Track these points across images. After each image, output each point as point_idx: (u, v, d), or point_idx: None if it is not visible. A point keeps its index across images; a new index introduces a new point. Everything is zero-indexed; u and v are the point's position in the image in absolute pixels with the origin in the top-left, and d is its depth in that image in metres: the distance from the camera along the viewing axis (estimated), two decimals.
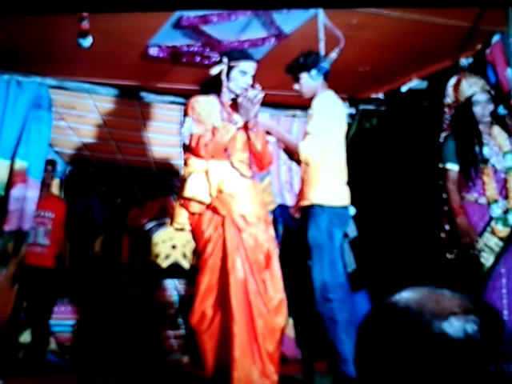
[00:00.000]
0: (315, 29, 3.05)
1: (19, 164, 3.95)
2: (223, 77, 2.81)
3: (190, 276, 5.37)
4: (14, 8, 2.33)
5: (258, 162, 2.94)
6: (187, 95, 4.20)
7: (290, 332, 4.16)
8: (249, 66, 2.82)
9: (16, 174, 3.94)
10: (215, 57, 3.47)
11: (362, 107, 4.54)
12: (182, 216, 2.82)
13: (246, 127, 2.82)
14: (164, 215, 5.54)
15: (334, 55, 2.95)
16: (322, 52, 3.03)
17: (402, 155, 4.31)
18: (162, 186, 5.65)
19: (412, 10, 3.03)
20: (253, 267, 2.72)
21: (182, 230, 2.93)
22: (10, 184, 3.93)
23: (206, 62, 3.52)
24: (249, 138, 2.85)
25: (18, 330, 4.35)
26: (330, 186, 2.97)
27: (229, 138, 2.74)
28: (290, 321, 4.05)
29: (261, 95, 2.73)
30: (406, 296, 0.70)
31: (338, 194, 3.00)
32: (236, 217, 2.75)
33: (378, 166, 4.44)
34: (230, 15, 3.12)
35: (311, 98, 3.03)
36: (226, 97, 2.88)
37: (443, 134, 3.32)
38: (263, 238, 2.82)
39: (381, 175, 4.38)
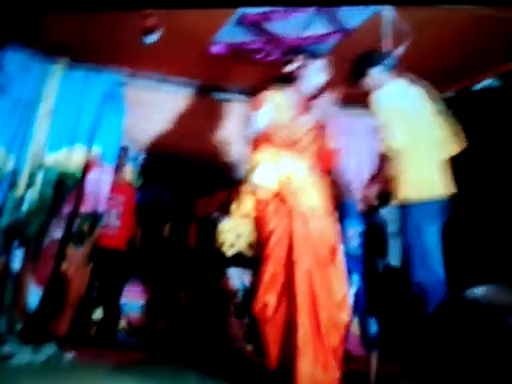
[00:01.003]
0: (380, 24, 2.97)
1: (95, 149, 4.26)
2: (299, 74, 2.85)
3: (255, 266, 5.47)
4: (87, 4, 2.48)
5: (323, 160, 2.97)
6: (249, 92, 4.32)
7: (356, 329, 4.13)
8: (323, 66, 2.86)
9: (92, 159, 4.24)
10: (277, 54, 3.50)
11: None
12: (248, 203, 2.89)
13: (317, 126, 2.86)
14: (231, 205, 5.65)
15: (400, 51, 2.88)
16: (388, 48, 2.95)
17: (479, 157, 4.10)
18: (228, 178, 5.77)
19: (482, 5, 2.87)
20: (318, 260, 2.74)
21: (246, 216, 2.98)
22: (86, 168, 4.23)
23: (268, 59, 3.56)
24: (318, 137, 2.88)
25: (91, 307, 4.62)
26: (415, 178, 2.86)
27: (301, 134, 2.81)
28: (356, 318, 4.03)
29: (336, 96, 2.74)
30: (477, 292, 0.72)
31: (426, 186, 2.88)
32: (304, 209, 2.78)
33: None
34: (292, 12, 3.13)
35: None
36: (299, 94, 2.90)
37: None
38: (329, 232, 2.84)
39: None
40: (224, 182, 5.79)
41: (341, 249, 2.90)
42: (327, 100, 2.79)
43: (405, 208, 2.88)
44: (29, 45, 3.91)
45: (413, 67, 2.99)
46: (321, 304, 2.67)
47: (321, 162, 2.97)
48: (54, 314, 3.96)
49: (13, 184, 3.91)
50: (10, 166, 3.93)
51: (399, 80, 2.96)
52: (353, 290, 3.86)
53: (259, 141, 2.86)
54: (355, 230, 4.34)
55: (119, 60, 4.06)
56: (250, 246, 5.77)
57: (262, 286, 2.73)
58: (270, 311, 2.71)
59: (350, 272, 2.94)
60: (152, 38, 2.74)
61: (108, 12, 3.27)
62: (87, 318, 4.52)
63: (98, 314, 4.73)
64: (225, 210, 5.76)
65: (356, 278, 4.10)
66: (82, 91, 4.21)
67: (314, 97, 2.86)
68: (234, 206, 3.03)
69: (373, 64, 2.93)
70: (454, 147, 3.06)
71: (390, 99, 2.88)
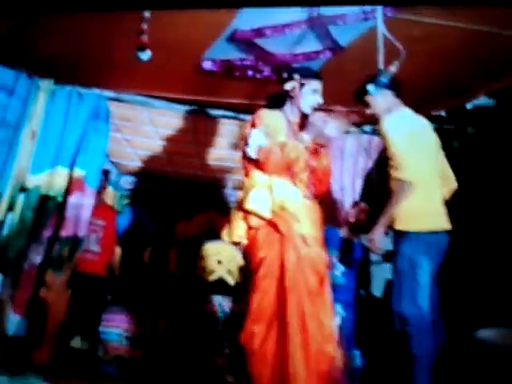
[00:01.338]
0: (373, 41, 3.00)
1: (77, 172, 4.17)
2: (295, 93, 2.84)
3: (235, 293, 5.40)
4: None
5: (318, 184, 2.94)
6: (239, 109, 4.31)
7: (340, 362, 4.06)
8: (319, 85, 2.84)
9: (74, 182, 4.15)
10: (268, 70, 3.50)
11: None
12: (240, 229, 2.81)
13: (313, 148, 2.84)
14: (211, 229, 5.60)
15: (393, 69, 2.90)
16: (381, 65, 2.97)
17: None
18: (210, 198, 5.73)
19: (478, 20, 2.92)
20: (309, 290, 2.68)
21: (238, 243, 2.92)
22: (67, 191, 4.13)
23: (259, 76, 3.57)
24: (315, 158, 2.87)
25: (70, 334, 4.48)
26: (417, 208, 2.81)
27: (295, 156, 2.75)
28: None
29: (330, 117, 2.74)
30: (485, 334, 0.67)
31: (425, 218, 2.84)
32: (296, 237, 2.72)
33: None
34: (284, 28, 3.18)
35: (373, 116, 2.96)
36: (294, 114, 2.89)
37: None
38: (319, 261, 2.78)
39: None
40: (205, 205, 5.75)
41: (328, 278, 2.85)
42: (322, 119, 2.76)
43: (401, 237, 2.83)
44: (13, 64, 3.85)
45: (405, 84, 3.02)
46: (311, 335, 2.60)
47: (317, 185, 2.94)
48: (35, 342, 3.83)
49: None
50: None
51: (404, 108, 2.96)
52: (337, 321, 3.78)
53: (252, 163, 2.80)
54: (338, 257, 4.30)
55: (106, 78, 4.02)
56: (231, 272, 5.71)
57: (250, 316, 2.66)
58: (257, 342, 2.63)
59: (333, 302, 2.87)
60: (146, 55, 2.70)
61: (95, 28, 3.24)
62: (66, 346, 4.38)
63: (76, 341, 4.63)
64: (205, 235, 5.71)
65: (339, 308, 4.02)
66: (66, 112, 4.16)
67: (308, 116, 2.84)
68: (224, 232, 2.94)
69: (368, 81, 2.94)
70: (453, 183, 3.09)
71: (402, 128, 2.84)
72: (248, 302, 2.70)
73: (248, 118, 4.40)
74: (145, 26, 2.68)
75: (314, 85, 2.82)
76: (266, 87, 3.77)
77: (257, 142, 2.75)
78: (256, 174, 2.78)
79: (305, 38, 3.31)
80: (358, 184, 4.79)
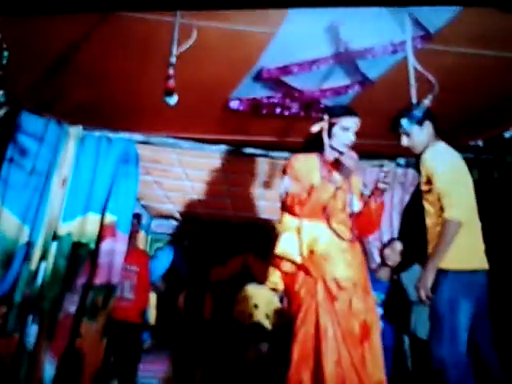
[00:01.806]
0: (403, 74, 2.96)
1: (109, 218, 4.19)
2: (324, 134, 2.83)
3: (272, 338, 5.29)
4: None
5: (365, 226, 2.90)
6: (269, 147, 4.31)
7: None
8: (351, 122, 2.81)
9: (106, 228, 4.17)
10: (296, 107, 3.50)
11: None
12: (274, 275, 2.82)
13: (351, 187, 2.84)
14: (246, 272, 5.56)
15: (427, 102, 2.83)
16: (414, 99, 2.92)
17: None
18: (244, 240, 5.69)
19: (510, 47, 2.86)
20: (345, 336, 2.60)
21: (274, 289, 2.90)
22: (100, 237, 4.14)
23: (287, 113, 3.58)
24: (368, 203, 2.84)
25: (107, 382, 4.46)
26: (458, 246, 2.67)
27: (327, 198, 2.73)
28: None
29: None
30: None
31: (466, 256, 2.71)
32: (328, 280, 2.68)
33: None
34: (311, 65, 3.18)
35: (408, 149, 2.89)
36: (328, 154, 2.87)
37: None
38: (359, 306, 2.70)
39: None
40: (240, 247, 5.71)
41: (377, 325, 2.77)
42: (354, 157, 2.74)
43: (439, 276, 2.69)
44: (43, 112, 3.94)
45: (439, 115, 2.95)
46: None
47: (363, 228, 2.89)
48: None
49: (27, 256, 3.83)
50: (24, 237, 3.87)
51: (440, 142, 2.87)
52: None
53: (284, 209, 2.82)
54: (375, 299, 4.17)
55: (134, 122, 4.08)
56: (268, 316, 5.62)
57: (293, 366, 2.61)
58: None
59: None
60: (174, 100, 2.72)
61: (121, 73, 3.31)
62: None
63: None
64: (240, 278, 5.66)
65: None
66: (95, 157, 4.22)
67: (341, 154, 2.81)
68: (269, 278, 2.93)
69: (401, 115, 2.87)
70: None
71: (447, 163, 2.76)
72: (290, 351, 2.66)
73: (278, 154, 4.45)
74: (171, 71, 2.71)
75: (345, 122, 2.80)
76: (295, 123, 3.79)
77: (285, 188, 2.81)
78: (286, 218, 2.81)
79: (333, 73, 3.31)
80: (396, 219, 4.69)
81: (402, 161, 4.64)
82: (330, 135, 2.82)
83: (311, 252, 2.70)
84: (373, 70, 3.23)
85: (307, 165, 2.84)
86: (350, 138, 2.80)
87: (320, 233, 2.74)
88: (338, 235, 2.76)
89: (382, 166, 4.49)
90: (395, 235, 4.61)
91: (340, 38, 2.90)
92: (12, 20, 2.64)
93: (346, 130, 2.79)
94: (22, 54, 3.00)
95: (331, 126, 2.81)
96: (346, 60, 3.14)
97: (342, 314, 2.63)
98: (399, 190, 4.71)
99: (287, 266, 2.75)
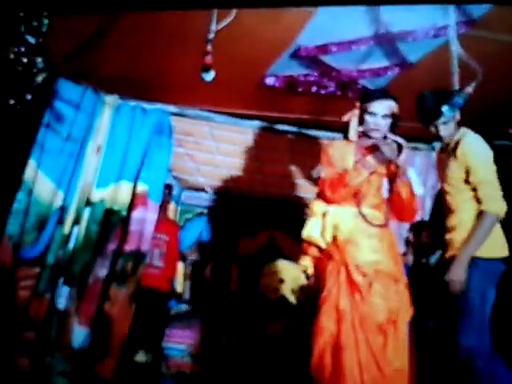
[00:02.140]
0: (444, 58, 2.91)
1: (141, 187, 4.28)
2: (352, 121, 2.82)
3: (298, 312, 5.37)
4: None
5: (399, 211, 2.87)
6: (301, 124, 4.30)
7: None
8: (379, 106, 2.74)
9: (137, 197, 4.26)
10: (332, 86, 3.48)
11: (497, 143, 4.20)
12: (304, 259, 2.86)
13: (389, 173, 2.80)
14: (273, 247, 5.62)
15: (470, 89, 2.78)
16: (456, 85, 2.86)
17: None
18: (272, 216, 5.73)
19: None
20: (363, 322, 2.61)
21: (305, 272, 2.95)
22: (131, 205, 4.24)
23: (323, 92, 3.56)
24: (393, 186, 2.81)
25: (133, 348, 4.58)
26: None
27: (359, 182, 2.73)
28: None
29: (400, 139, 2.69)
30: None
31: (495, 244, 2.69)
32: (350, 265, 2.68)
33: None
34: (350, 44, 3.16)
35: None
36: (364, 140, 2.84)
37: None
38: (381, 292, 2.67)
39: None
40: (267, 223, 5.75)
41: (404, 316, 2.71)
42: (386, 142, 2.71)
43: (472, 265, 2.64)
44: (80, 80, 4.01)
45: (479, 103, 2.90)
46: (366, 370, 2.54)
47: (398, 213, 2.87)
48: (99, 355, 3.93)
49: (60, 221, 3.96)
50: (58, 202, 3.99)
51: (469, 130, 2.82)
52: None
53: (319, 192, 2.86)
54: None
55: (169, 94, 4.12)
56: (293, 291, 5.69)
57: (316, 343, 2.64)
58: (327, 372, 2.61)
59: None
60: (210, 76, 2.74)
61: (159, 46, 3.34)
62: (129, 360, 4.47)
63: (140, 356, 4.71)
64: (267, 253, 5.73)
65: None
66: (130, 127, 4.28)
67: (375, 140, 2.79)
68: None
69: (442, 101, 2.81)
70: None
71: (487, 155, 2.72)
72: (312, 346, 2.67)
73: (312, 133, 4.44)
74: (209, 47, 2.73)
75: (372, 107, 2.74)
76: (331, 103, 3.77)
77: (316, 173, 2.86)
78: (315, 203, 2.86)
79: (372, 54, 3.28)
80: (428, 203, 4.65)
81: (437, 144, 4.58)
82: (361, 121, 2.80)
83: (334, 237, 2.72)
84: (413, 52, 3.20)
85: (341, 150, 2.85)
86: (377, 122, 2.73)
87: (345, 218, 2.74)
88: (367, 220, 2.76)
89: (416, 148, 4.46)
90: (427, 219, 4.58)
91: (380, 20, 2.86)
92: None
93: (373, 115, 2.74)
94: (62, 26, 3.05)
95: (363, 112, 2.78)
96: (386, 41, 3.11)
97: (361, 299, 2.63)
98: (433, 175, 4.66)
99: (314, 251, 2.80)
